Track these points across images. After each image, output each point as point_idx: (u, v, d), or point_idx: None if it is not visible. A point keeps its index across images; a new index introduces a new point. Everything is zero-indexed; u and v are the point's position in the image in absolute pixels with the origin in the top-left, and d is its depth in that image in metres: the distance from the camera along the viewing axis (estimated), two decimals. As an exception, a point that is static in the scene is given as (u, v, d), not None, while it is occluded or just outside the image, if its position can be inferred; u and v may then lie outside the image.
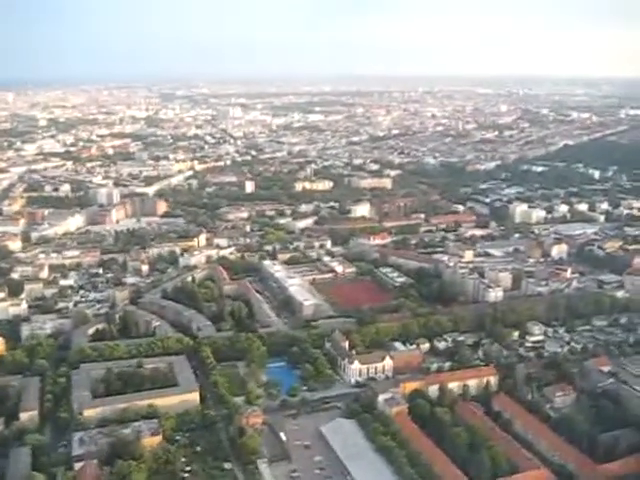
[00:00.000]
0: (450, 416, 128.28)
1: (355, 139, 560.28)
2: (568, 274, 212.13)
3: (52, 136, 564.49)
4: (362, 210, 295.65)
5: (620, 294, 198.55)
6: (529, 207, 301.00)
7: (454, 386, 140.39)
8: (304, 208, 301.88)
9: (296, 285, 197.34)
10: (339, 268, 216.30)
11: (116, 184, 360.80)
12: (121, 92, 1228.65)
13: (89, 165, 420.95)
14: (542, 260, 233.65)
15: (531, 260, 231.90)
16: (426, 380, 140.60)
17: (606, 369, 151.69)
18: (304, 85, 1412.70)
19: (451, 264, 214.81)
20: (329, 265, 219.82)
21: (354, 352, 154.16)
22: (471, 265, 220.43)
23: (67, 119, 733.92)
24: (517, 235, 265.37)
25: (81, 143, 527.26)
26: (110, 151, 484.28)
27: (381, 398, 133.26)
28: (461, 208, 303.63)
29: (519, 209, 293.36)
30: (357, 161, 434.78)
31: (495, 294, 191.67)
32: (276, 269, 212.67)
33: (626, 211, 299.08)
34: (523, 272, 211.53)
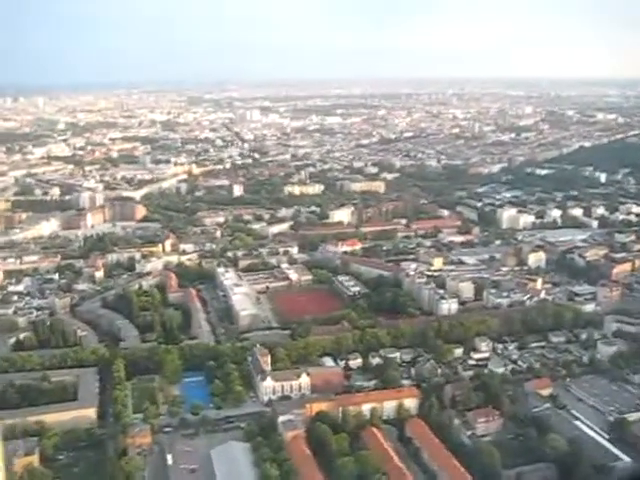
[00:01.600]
0: (349, 442, 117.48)
1: (365, 141, 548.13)
2: (538, 285, 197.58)
3: (64, 140, 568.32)
4: (342, 215, 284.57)
5: (590, 307, 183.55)
6: (518, 212, 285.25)
7: (368, 408, 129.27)
8: (283, 213, 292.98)
9: (240, 294, 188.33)
10: (294, 276, 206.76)
11: (106, 188, 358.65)
12: (151, 96, 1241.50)
13: (88, 169, 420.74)
14: (517, 269, 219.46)
15: (504, 269, 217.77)
16: (337, 401, 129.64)
17: (547, 392, 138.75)
18: (335, 88, 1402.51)
19: (412, 273, 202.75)
20: (285, 273, 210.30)
21: (269, 368, 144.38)
22: (437, 274, 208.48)
23: (87, 123, 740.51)
24: (498, 242, 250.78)
25: (89, 147, 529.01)
26: (114, 154, 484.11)
27: (281, 420, 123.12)
28: (446, 213, 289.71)
29: (506, 214, 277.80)
30: (358, 164, 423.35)
31: (449, 306, 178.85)
32: (227, 276, 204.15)
33: (622, 216, 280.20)
34: (487, 282, 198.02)
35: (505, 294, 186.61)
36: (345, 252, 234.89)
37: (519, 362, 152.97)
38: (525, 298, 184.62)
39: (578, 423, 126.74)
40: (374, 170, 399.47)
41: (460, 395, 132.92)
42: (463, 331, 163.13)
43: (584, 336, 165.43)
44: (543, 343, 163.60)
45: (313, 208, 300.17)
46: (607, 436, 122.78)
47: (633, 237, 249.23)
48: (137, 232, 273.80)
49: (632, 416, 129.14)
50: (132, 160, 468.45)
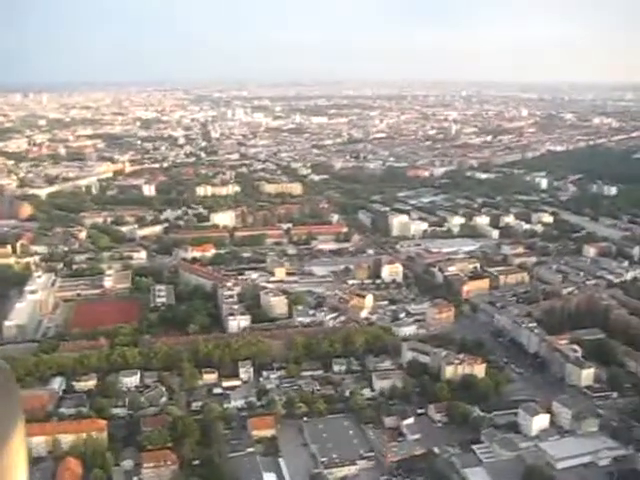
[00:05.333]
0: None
1: (329, 142, 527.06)
2: (366, 302, 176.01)
3: (28, 136, 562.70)
4: (224, 218, 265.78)
5: (409, 330, 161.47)
6: (419, 219, 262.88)
7: (40, 442, 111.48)
8: (169, 214, 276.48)
9: (30, 301, 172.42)
10: (108, 284, 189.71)
11: (20, 185, 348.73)
12: (160, 94, 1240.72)
13: (22, 165, 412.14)
14: (369, 282, 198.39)
15: (352, 282, 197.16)
16: None
17: (269, 432, 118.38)
18: (347, 88, 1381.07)
19: (229, 284, 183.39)
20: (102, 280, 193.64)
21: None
22: (272, 285, 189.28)
23: (72, 119, 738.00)
24: (371, 251, 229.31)
25: (48, 143, 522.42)
26: (62, 151, 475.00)
27: None
28: (336, 218, 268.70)
29: (396, 221, 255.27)
30: (296, 165, 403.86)
31: (237, 323, 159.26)
32: (36, 282, 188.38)
33: (527, 226, 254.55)
34: (308, 298, 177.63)
35: (311, 312, 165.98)
36: (194, 258, 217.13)
37: (270, 394, 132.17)
38: (328, 318, 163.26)
39: (269, 475, 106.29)
40: (306, 171, 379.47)
41: (149, 432, 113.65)
42: (228, 353, 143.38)
43: (370, 365, 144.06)
44: (320, 372, 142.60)
45: (200, 210, 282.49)
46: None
47: (520, 249, 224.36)
48: (9, 232, 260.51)
49: (341, 471, 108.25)
50: (79, 157, 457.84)
